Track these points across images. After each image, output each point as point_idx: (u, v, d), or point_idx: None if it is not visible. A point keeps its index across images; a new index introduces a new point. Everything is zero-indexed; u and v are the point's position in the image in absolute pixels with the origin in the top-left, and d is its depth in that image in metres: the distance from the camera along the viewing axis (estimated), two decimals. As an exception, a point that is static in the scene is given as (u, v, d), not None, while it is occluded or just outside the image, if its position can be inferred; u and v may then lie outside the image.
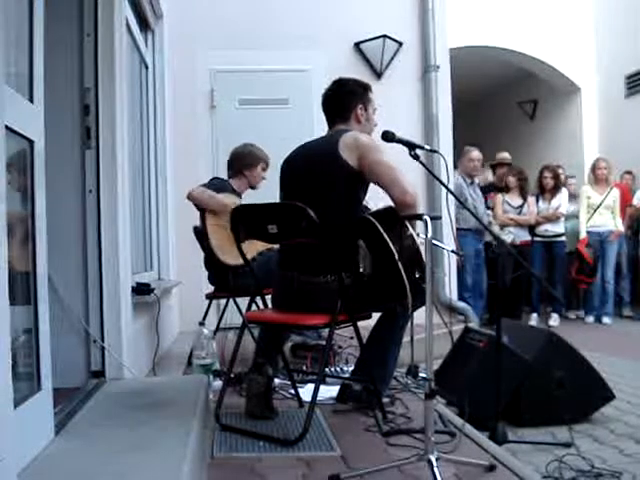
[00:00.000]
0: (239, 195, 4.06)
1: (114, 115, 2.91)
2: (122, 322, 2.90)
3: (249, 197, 4.05)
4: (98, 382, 2.75)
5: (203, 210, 3.81)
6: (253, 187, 4.13)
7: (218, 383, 3.10)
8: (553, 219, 6.80)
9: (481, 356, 3.27)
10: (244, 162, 4.07)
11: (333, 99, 2.98)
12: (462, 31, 7.45)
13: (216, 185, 3.95)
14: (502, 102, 10.61)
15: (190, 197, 3.81)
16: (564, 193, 6.90)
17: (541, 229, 6.84)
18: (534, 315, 6.78)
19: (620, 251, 7.06)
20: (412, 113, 5.92)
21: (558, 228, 6.84)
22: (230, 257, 3.61)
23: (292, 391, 3.03)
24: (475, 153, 6.10)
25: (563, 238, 6.89)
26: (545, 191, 6.90)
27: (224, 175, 4.21)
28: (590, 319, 6.94)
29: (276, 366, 3.06)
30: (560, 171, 7.24)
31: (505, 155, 7.44)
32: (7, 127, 1.66)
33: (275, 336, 3.11)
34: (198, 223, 3.91)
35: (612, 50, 8.44)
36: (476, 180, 6.22)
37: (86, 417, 2.24)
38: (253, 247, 3.69)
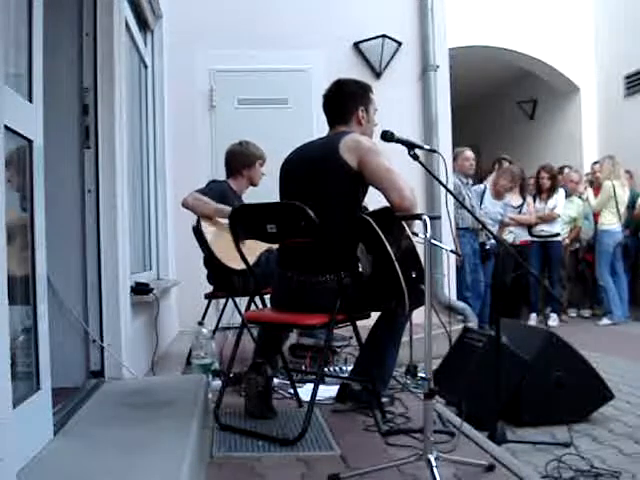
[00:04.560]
0: (239, 197, 4.04)
1: (113, 115, 2.91)
2: (121, 322, 2.90)
3: (249, 197, 4.05)
4: (97, 382, 2.75)
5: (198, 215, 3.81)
6: (255, 185, 4.11)
7: (217, 383, 3.10)
8: (549, 220, 6.80)
9: (480, 356, 3.27)
10: (241, 162, 4.04)
11: (334, 101, 2.98)
12: (462, 31, 7.45)
13: (214, 190, 3.91)
14: (502, 102, 10.61)
15: (184, 205, 3.79)
16: (561, 194, 6.90)
17: (537, 229, 6.85)
18: (533, 315, 6.79)
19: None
20: (411, 113, 5.92)
21: (554, 228, 6.84)
22: (234, 262, 3.58)
23: (291, 391, 3.03)
24: (469, 152, 6.14)
25: (559, 238, 6.90)
26: (542, 191, 6.90)
27: (224, 175, 4.20)
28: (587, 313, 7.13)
29: (275, 366, 3.06)
30: (570, 172, 7.31)
31: (504, 156, 7.45)
32: (6, 126, 1.66)
33: (274, 336, 3.11)
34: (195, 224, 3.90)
35: (611, 50, 8.45)
36: (470, 180, 6.24)
37: (85, 417, 2.24)
38: (252, 250, 3.69)
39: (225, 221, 3.49)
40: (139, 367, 3.23)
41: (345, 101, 2.95)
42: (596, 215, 6.99)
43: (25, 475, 1.65)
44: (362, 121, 2.95)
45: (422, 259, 2.41)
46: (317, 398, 2.53)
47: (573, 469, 2.50)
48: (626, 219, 6.99)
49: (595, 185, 7.40)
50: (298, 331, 3.78)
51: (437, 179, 2.77)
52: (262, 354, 2.95)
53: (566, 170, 7.51)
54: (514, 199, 6.84)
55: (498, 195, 6.40)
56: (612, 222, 6.76)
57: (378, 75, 5.86)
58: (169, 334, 4.78)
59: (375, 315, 2.89)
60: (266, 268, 3.35)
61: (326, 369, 3.45)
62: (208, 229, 3.77)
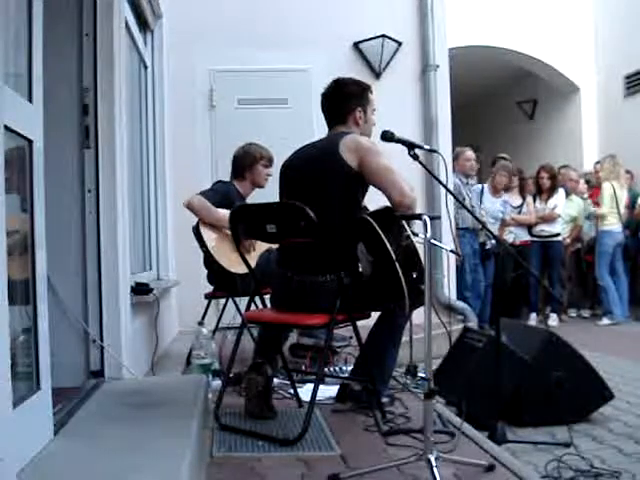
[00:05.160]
0: (244, 199, 4.03)
1: (113, 115, 2.91)
2: (121, 322, 2.90)
3: (249, 197, 4.05)
4: (97, 382, 2.75)
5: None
6: (260, 186, 4.09)
7: (217, 383, 3.10)
8: (549, 219, 6.80)
9: (480, 356, 3.27)
10: (242, 164, 4.04)
11: (331, 101, 2.98)
12: (462, 31, 7.45)
13: (218, 190, 3.91)
14: (501, 102, 10.61)
15: (188, 206, 3.79)
16: (561, 193, 6.90)
17: (537, 229, 6.85)
18: (533, 315, 6.79)
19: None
20: (411, 113, 5.91)
21: (554, 228, 6.84)
22: (235, 266, 3.57)
23: (291, 391, 3.03)
24: (470, 152, 6.16)
25: (559, 238, 6.90)
26: (542, 191, 6.90)
27: (224, 175, 4.19)
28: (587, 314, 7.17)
29: (275, 366, 3.06)
30: (569, 171, 7.32)
31: (503, 156, 7.45)
32: (6, 127, 1.66)
33: (274, 336, 3.11)
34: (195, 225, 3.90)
35: (611, 50, 8.45)
36: (470, 181, 6.25)
37: (85, 417, 2.24)
38: (253, 253, 3.70)
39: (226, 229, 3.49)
40: (139, 367, 3.23)
41: (342, 101, 2.95)
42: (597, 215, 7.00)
43: (25, 475, 1.65)
44: (359, 122, 2.95)
45: (422, 259, 2.42)
46: (317, 398, 2.53)
47: (573, 469, 2.50)
48: (626, 219, 6.99)
49: (595, 184, 7.41)
50: (298, 331, 3.79)
51: (437, 179, 2.77)
52: (262, 354, 2.95)
53: (563, 170, 7.49)
54: (514, 199, 6.85)
55: (496, 192, 6.41)
56: (613, 223, 6.77)
57: (378, 75, 5.86)
58: (169, 334, 4.78)
59: (375, 315, 2.89)
60: (266, 268, 3.35)
61: (326, 369, 3.45)
62: (208, 234, 3.76)
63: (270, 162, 4.05)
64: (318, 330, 3.55)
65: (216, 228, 3.78)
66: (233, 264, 3.57)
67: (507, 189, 6.89)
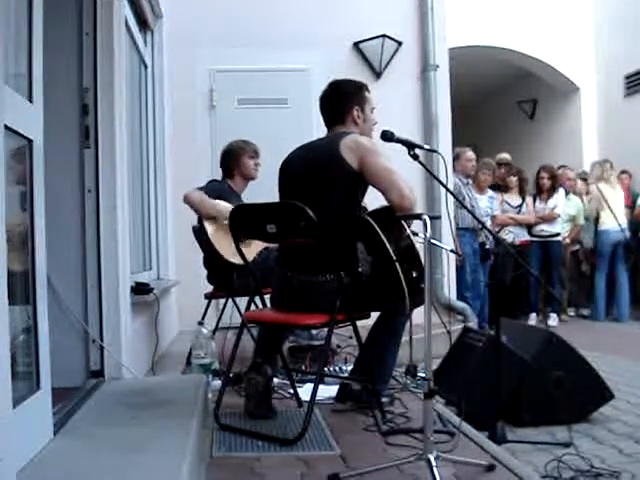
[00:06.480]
0: (238, 196, 4.05)
1: (113, 115, 2.91)
2: (121, 322, 2.90)
3: (252, 196, 4.04)
4: (97, 382, 2.75)
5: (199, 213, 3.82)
6: (251, 178, 4.11)
7: (217, 383, 3.10)
8: (549, 219, 6.81)
9: (480, 356, 3.27)
10: (228, 162, 4.08)
11: (329, 102, 2.99)
12: (462, 31, 7.45)
13: (213, 188, 3.92)
14: (502, 102, 10.61)
15: (186, 200, 3.79)
16: (561, 193, 6.90)
17: (537, 229, 6.86)
18: (533, 315, 6.79)
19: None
20: (411, 113, 5.91)
21: (554, 228, 6.85)
22: (236, 258, 3.57)
23: (291, 391, 3.03)
24: (470, 153, 6.17)
25: (559, 238, 6.90)
26: (542, 191, 6.90)
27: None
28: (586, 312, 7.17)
29: (275, 366, 3.06)
30: (566, 170, 7.31)
31: (504, 156, 7.45)
32: (6, 126, 1.66)
33: (274, 336, 3.10)
34: (197, 223, 3.90)
35: (611, 50, 8.45)
36: (470, 180, 6.25)
37: (85, 417, 2.24)
38: (252, 249, 3.69)
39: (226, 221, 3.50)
40: (139, 367, 3.23)
41: (340, 101, 2.96)
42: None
43: (25, 475, 1.65)
44: (358, 120, 2.95)
45: (422, 259, 2.41)
46: (317, 398, 2.53)
47: (573, 469, 2.50)
48: (629, 219, 7.01)
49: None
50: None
51: (437, 179, 2.77)
52: (262, 354, 2.95)
53: (560, 170, 7.50)
54: (513, 199, 6.85)
55: (481, 190, 6.40)
56: (607, 222, 6.80)
57: (378, 75, 5.86)
58: (169, 334, 4.78)
59: (375, 315, 2.89)
60: (266, 267, 3.35)
61: (326, 369, 3.45)
62: (209, 227, 3.77)
63: (255, 153, 4.08)
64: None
65: (216, 222, 3.78)
66: (234, 255, 3.57)
67: (507, 189, 6.91)
